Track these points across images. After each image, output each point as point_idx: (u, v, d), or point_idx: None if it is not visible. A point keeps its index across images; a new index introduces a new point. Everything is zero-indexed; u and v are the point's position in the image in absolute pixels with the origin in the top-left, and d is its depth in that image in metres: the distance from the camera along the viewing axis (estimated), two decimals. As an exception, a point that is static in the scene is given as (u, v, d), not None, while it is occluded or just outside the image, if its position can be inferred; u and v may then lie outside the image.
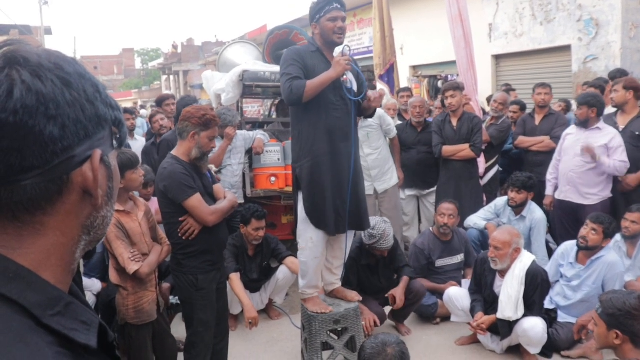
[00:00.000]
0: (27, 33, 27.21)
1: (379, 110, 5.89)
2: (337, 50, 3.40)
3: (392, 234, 4.42)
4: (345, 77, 3.41)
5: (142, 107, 25.45)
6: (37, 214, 0.69)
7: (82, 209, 0.74)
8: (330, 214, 3.52)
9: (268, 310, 5.07)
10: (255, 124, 6.93)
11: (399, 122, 6.37)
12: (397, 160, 6.04)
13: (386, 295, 4.50)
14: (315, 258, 3.64)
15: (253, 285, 4.89)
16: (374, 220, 4.29)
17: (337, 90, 3.45)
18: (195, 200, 3.23)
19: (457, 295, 4.56)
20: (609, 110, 5.57)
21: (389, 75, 8.36)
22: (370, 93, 3.56)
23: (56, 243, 0.72)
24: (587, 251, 4.24)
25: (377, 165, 5.80)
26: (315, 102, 3.41)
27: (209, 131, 3.29)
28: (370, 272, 4.62)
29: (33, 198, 0.68)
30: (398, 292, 4.42)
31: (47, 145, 0.67)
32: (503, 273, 4.15)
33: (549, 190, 5.45)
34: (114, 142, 0.79)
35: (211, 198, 3.45)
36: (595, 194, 5.02)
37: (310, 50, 3.57)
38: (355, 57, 4.04)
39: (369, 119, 5.63)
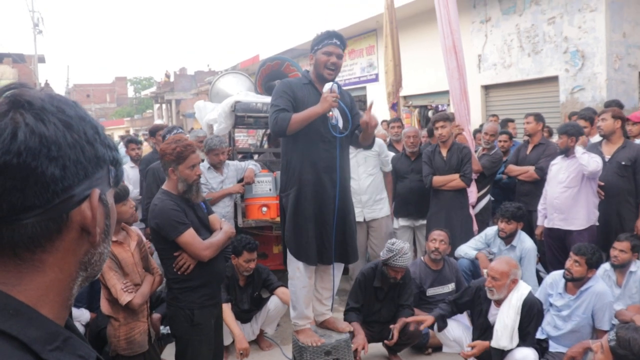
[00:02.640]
0: (20, 61, 27.34)
1: (379, 140, 5.97)
2: (327, 87, 3.43)
3: (409, 256, 4.51)
4: (331, 113, 3.43)
5: (136, 135, 25.48)
6: (37, 252, 0.72)
7: (80, 246, 0.76)
8: (312, 244, 3.52)
9: (259, 341, 5.04)
10: (247, 155, 6.97)
11: (391, 153, 6.43)
12: (389, 193, 6.11)
13: (390, 327, 4.52)
14: (303, 287, 3.65)
15: (244, 315, 4.87)
16: (394, 239, 4.64)
17: (323, 123, 3.48)
18: (188, 236, 3.21)
19: (449, 325, 4.56)
20: (596, 139, 5.68)
21: (397, 104, 8.60)
22: (365, 118, 3.43)
23: (54, 279, 0.74)
24: (575, 282, 4.27)
25: (370, 191, 5.84)
26: (304, 134, 3.45)
27: (186, 161, 3.25)
28: (376, 297, 4.66)
29: (33, 236, 0.70)
30: (397, 327, 4.49)
31: (48, 185, 0.70)
32: (499, 302, 4.16)
33: (539, 221, 5.54)
34: (111, 181, 0.81)
35: (207, 230, 3.42)
36: (581, 218, 5.09)
37: (302, 82, 3.63)
38: (346, 88, 4.09)
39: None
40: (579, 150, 4.97)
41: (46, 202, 0.70)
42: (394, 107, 8.72)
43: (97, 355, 0.75)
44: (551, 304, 4.43)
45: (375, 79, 13.74)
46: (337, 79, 3.60)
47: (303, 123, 3.38)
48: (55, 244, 0.73)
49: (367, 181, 5.82)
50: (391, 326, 4.53)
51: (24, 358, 0.65)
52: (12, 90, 0.73)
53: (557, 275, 4.48)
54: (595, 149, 5.29)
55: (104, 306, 3.50)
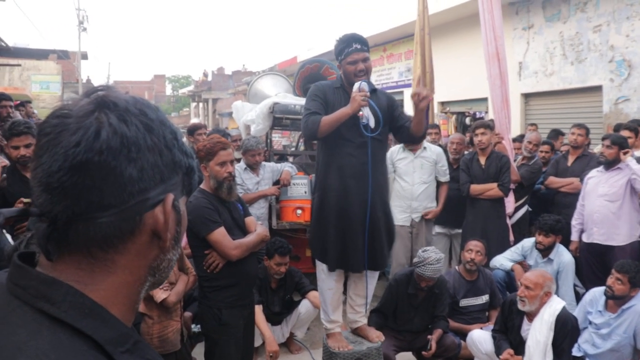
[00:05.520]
0: (65, 58, 28.04)
1: (437, 148, 5.89)
2: (355, 86, 3.36)
3: (437, 267, 4.40)
4: (361, 112, 3.36)
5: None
6: (109, 252, 0.72)
7: (150, 250, 0.77)
8: (332, 250, 3.49)
9: (289, 344, 5.04)
10: (283, 156, 6.99)
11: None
12: (441, 203, 5.88)
13: (428, 337, 4.47)
14: (329, 289, 3.63)
15: (275, 318, 4.87)
16: (430, 247, 4.59)
17: (353, 127, 3.40)
18: (218, 235, 3.22)
19: (481, 338, 4.47)
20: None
21: (426, 111, 8.42)
22: (415, 90, 3.36)
23: (124, 281, 0.75)
24: (616, 300, 4.14)
25: (421, 199, 5.69)
26: (331, 138, 3.43)
27: (215, 158, 3.28)
28: (410, 303, 4.59)
29: (107, 236, 0.71)
30: (434, 338, 4.44)
31: (125, 185, 0.71)
32: (531, 317, 4.06)
33: (574, 236, 5.41)
34: (185, 188, 0.82)
35: (241, 230, 3.42)
36: (623, 234, 4.95)
37: (334, 86, 3.61)
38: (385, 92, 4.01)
39: (427, 152, 5.65)
40: (632, 162, 4.83)
41: (122, 202, 0.71)
42: None
43: None
44: (590, 322, 4.31)
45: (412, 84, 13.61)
46: (375, 83, 3.54)
47: (333, 125, 3.35)
48: (127, 245, 0.74)
49: (420, 188, 5.69)
50: (429, 337, 4.48)
51: (98, 358, 0.66)
52: (100, 92, 0.75)
53: (597, 292, 4.35)
54: (640, 161, 5.13)
55: (139, 303, 3.54)
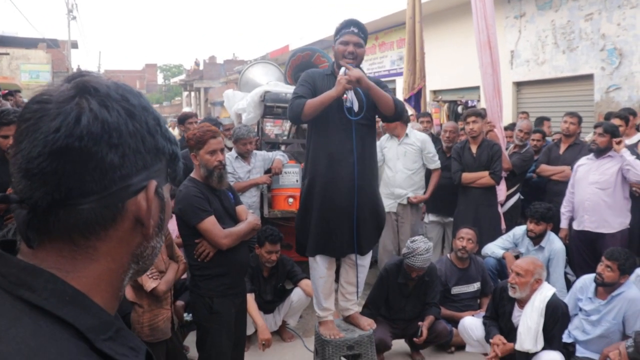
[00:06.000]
0: (54, 47, 27.77)
1: (423, 135, 5.88)
2: (342, 70, 3.36)
3: (428, 256, 4.44)
4: (345, 96, 3.35)
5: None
6: (91, 239, 0.72)
7: (133, 237, 0.76)
8: (313, 236, 3.49)
9: (281, 332, 5.05)
10: (274, 145, 6.97)
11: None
12: (430, 190, 5.84)
13: (419, 324, 4.50)
14: (320, 278, 3.63)
15: (267, 306, 4.88)
16: (418, 237, 4.59)
17: (340, 112, 3.40)
18: (208, 223, 3.21)
19: (472, 325, 4.51)
20: (632, 140, 5.54)
21: (417, 99, 8.40)
22: (341, 75, 3.32)
23: (107, 269, 0.74)
24: (606, 287, 4.17)
25: (405, 186, 5.71)
26: (320, 123, 3.43)
27: (205, 147, 3.25)
28: (400, 293, 4.62)
29: (88, 222, 0.70)
30: (425, 325, 4.48)
31: (106, 172, 0.70)
32: (522, 303, 4.09)
33: (563, 223, 5.44)
34: (169, 175, 0.81)
35: (232, 219, 3.40)
36: (613, 222, 4.98)
37: (325, 73, 3.60)
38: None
39: (410, 139, 5.62)
40: (627, 153, 4.84)
41: (103, 188, 0.70)
42: (408, 101, 8.51)
43: (147, 348, 0.75)
44: (580, 309, 4.34)
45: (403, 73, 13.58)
46: (367, 71, 3.53)
47: (318, 108, 3.33)
48: (109, 232, 0.73)
49: (402, 175, 5.70)
50: (420, 323, 4.50)
51: (79, 346, 0.65)
52: (81, 77, 0.74)
53: (587, 279, 4.37)
54: (632, 150, 5.15)
55: (129, 292, 3.53)
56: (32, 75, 25.03)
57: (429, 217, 6.23)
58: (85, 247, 0.72)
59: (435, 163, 5.84)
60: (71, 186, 0.68)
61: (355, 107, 3.41)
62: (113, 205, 0.72)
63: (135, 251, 0.77)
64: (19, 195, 0.69)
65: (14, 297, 0.66)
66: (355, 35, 3.43)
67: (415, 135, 5.81)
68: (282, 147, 6.92)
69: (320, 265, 3.60)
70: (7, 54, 21.49)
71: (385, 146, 5.83)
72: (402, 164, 5.73)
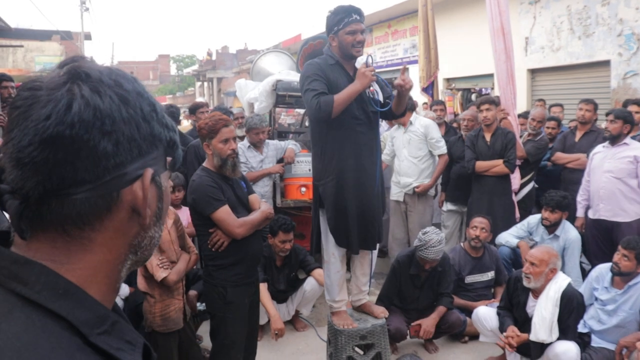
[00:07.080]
0: (68, 38, 27.90)
1: (427, 121, 5.85)
2: (360, 61, 3.29)
3: (440, 248, 4.41)
4: (371, 88, 3.32)
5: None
6: (85, 229, 0.70)
7: (130, 227, 0.74)
8: (355, 232, 3.43)
9: (294, 322, 5.05)
10: (287, 134, 6.95)
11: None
12: (434, 177, 5.82)
13: (413, 323, 4.51)
14: (337, 272, 3.61)
15: (280, 295, 4.88)
16: (429, 228, 4.53)
17: (360, 104, 3.34)
18: (223, 213, 3.20)
19: (486, 315, 4.47)
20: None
21: (432, 88, 8.38)
22: (399, 81, 3.30)
23: (103, 260, 0.72)
24: (623, 276, 4.11)
25: (410, 174, 5.71)
26: (338, 118, 3.29)
27: (218, 135, 3.23)
28: (413, 284, 4.61)
29: (82, 212, 0.69)
30: (427, 323, 4.47)
31: (99, 160, 0.68)
32: (537, 293, 4.05)
33: (579, 212, 5.38)
34: (167, 163, 0.79)
35: (245, 208, 3.39)
36: (629, 210, 4.91)
37: (329, 63, 3.43)
38: (390, 69, 3.97)
39: (414, 127, 5.61)
40: None
41: (96, 177, 0.68)
42: (426, 90, 8.51)
43: (144, 341, 0.73)
44: (596, 298, 4.28)
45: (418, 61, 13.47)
46: (380, 60, 3.49)
47: (346, 103, 3.25)
48: (104, 222, 0.71)
49: (408, 164, 5.71)
50: (419, 322, 4.51)
51: (72, 340, 0.63)
52: (73, 63, 0.72)
53: (603, 269, 4.31)
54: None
55: (140, 282, 3.54)
56: (46, 67, 25.15)
57: (447, 206, 6.20)
58: (79, 238, 0.70)
59: (440, 149, 5.79)
60: (63, 175, 0.66)
61: (381, 98, 3.40)
62: (107, 194, 0.70)
63: (132, 241, 0.75)
64: (11, 185, 0.68)
65: (5, 291, 0.65)
66: (360, 23, 3.35)
67: (420, 121, 5.79)
68: (290, 136, 6.90)
69: (338, 261, 3.58)
70: (22, 46, 21.61)
71: (394, 135, 5.86)
72: (407, 152, 5.73)
